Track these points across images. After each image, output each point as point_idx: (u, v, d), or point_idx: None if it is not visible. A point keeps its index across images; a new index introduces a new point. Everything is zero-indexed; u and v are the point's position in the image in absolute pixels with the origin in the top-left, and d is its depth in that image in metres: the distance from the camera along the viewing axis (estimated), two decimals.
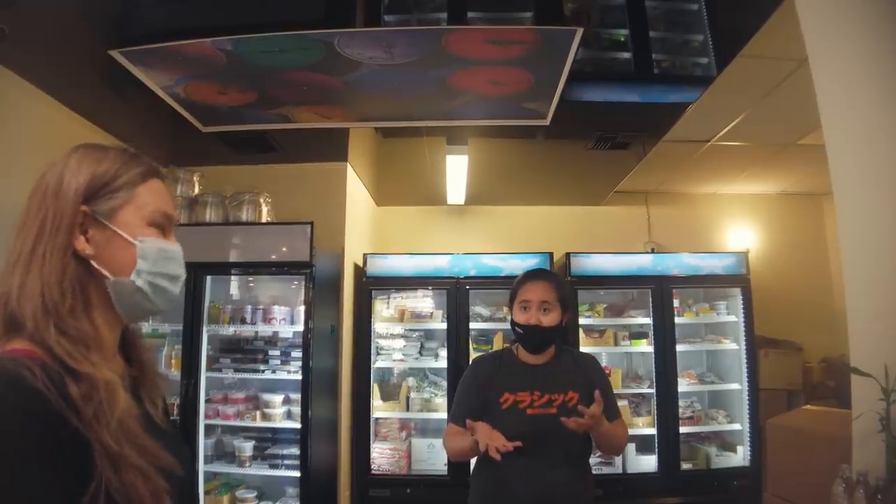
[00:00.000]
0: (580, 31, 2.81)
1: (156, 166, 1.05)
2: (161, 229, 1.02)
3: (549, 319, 2.09)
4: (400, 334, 4.78)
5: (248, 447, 3.85)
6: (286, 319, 3.97)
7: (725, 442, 4.70)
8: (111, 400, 0.83)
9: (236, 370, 3.97)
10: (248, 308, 3.97)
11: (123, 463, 0.81)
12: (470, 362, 2.38)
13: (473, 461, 2.24)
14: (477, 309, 4.73)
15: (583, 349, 4.42)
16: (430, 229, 5.88)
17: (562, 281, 2.30)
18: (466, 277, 4.64)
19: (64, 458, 0.77)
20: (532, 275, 2.22)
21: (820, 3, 2.14)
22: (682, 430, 4.50)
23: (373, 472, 4.46)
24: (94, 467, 0.79)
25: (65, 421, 0.78)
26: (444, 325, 4.61)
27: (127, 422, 0.84)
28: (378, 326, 4.72)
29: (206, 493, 3.78)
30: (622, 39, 3.87)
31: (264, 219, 4.10)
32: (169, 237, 1.03)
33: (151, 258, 0.98)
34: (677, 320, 4.60)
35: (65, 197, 0.93)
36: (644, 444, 4.54)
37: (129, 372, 0.97)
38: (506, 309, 4.32)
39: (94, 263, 0.94)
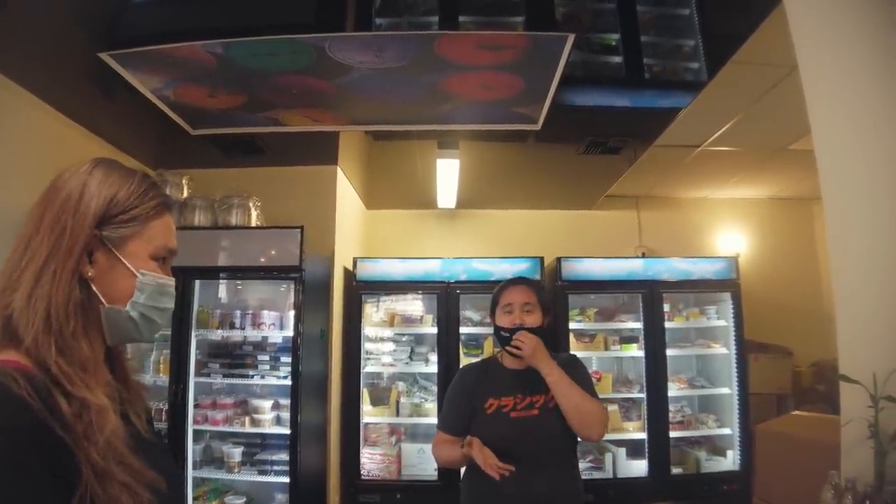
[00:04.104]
0: (572, 38, 2.81)
1: (170, 201, 1.08)
2: (161, 262, 1.03)
3: (532, 320, 2.16)
4: (390, 339, 4.75)
5: (236, 453, 3.82)
6: (275, 324, 3.95)
7: (715, 446, 4.71)
8: (101, 422, 0.85)
9: (225, 375, 3.94)
10: (237, 313, 3.94)
11: (108, 478, 0.82)
12: (459, 368, 2.41)
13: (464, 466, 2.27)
14: (467, 313, 4.71)
15: (574, 353, 4.42)
16: (421, 233, 5.86)
17: (541, 285, 2.35)
18: (457, 282, 4.62)
19: (49, 467, 0.78)
20: (512, 281, 2.31)
21: (810, 11, 2.15)
22: (673, 434, 4.51)
23: (362, 477, 4.43)
24: (78, 477, 0.79)
25: (49, 430, 0.79)
26: (434, 330, 4.59)
27: (114, 442, 0.85)
28: (368, 331, 4.70)
29: (195, 499, 3.75)
30: (613, 43, 3.88)
31: (254, 222, 4.07)
32: (166, 270, 1.05)
33: (148, 292, 0.99)
34: (667, 325, 4.61)
35: (83, 218, 0.94)
36: (634, 449, 4.54)
37: (115, 386, 0.97)
38: None
39: (93, 286, 0.95)
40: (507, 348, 2.13)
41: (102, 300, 0.96)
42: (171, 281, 1.05)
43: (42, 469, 0.77)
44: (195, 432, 3.85)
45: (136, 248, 0.98)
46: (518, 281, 2.30)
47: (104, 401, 0.87)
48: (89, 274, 0.94)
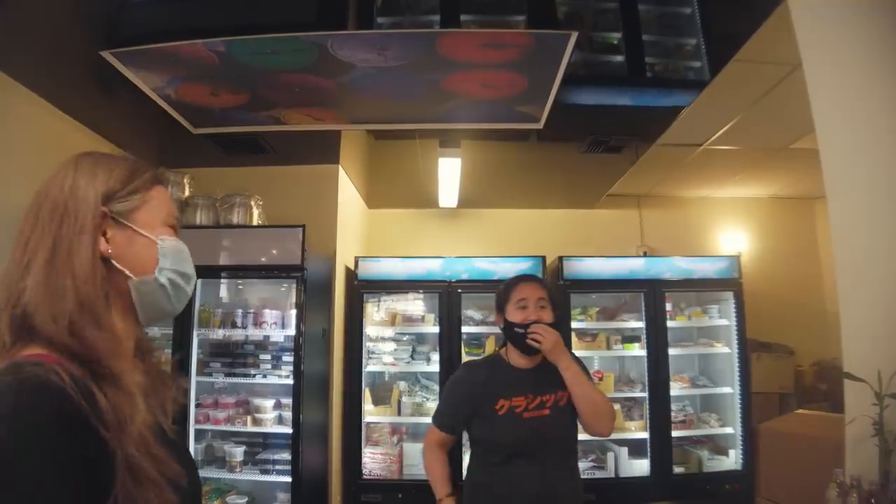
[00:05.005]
0: (575, 36, 2.81)
1: (161, 173, 1.10)
2: (173, 230, 1.05)
3: (546, 316, 2.14)
4: (391, 338, 4.75)
5: (238, 452, 3.80)
6: (277, 323, 3.94)
7: (718, 446, 4.70)
8: (132, 410, 0.83)
9: (227, 374, 3.94)
10: (239, 312, 3.93)
11: (140, 474, 0.81)
12: (462, 363, 2.41)
13: (465, 464, 2.28)
14: (469, 312, 4.71)
15: (575, 353, 4.41)
16: (422, 232, 5.85)
17: (548, 282, 2.35)
18: (458, 281, 4.62)
19: (89, 465, 0.77)
20: (523, 277, 2.29)
21: (813, 10, 2.15)
22: (675, 433, 4.50)
23: (364, 476, 4.43)
24: (113, 478, 0.78)
25: (89, 425, 0.77)
26: (435, 329, 4.59)
27: (144, 432, 0.84)
28: (369, 330, 4.69)
29: None
30: (615, 42, 3.88)
31: (255, 221, 4.07)
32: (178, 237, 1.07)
33: (171, 256, 1.01)
34: (669, 324, 4.60)
35: (84, 199, 0.93)
36: (636, 448, 4.53)
37: (144, 379, 0.96)
38: None
39: (116, 263, 0.94)
40: (528, 341, 2.09)
41: (130, 274, 0.95)
42: (185, 246, 1.07)
43: (82, 465, 0.76)
44: (197, 432, 3.84)
45: (147, 217, 0.99)
46: (529, 277, 2.28)
47: (133, 387, 0.86)
48: (108, 252, 0.93)
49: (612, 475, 4.48)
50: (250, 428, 3.87)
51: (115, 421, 0.80)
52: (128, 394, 0.84)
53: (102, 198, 0.95)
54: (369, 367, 4.62)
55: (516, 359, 2.21)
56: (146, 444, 0.83)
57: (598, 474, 4.44)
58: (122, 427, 0.80)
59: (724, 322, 4.72)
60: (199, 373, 3.85)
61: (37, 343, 0.84)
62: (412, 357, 4.67)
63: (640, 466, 4.49)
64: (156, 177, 1.05)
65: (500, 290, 2.26)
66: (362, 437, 4.51)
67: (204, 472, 3.83)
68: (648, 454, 4.49)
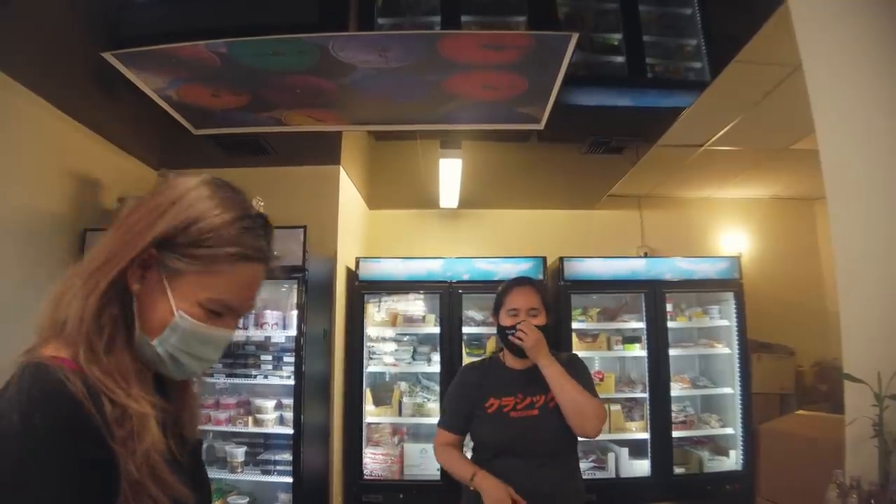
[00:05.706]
0: (575, 37, 2.81)
1: (263, 255, 0.99)
2: (216, 314, 0.95)
3: (537, 322, 2.16)
4: (392, 338, 4.76)
5: (239, 453, 3.81)
6: (278, 324, 3.95)
7: (718, 446, 4.70)
8: (141, 431, 0.82)
9: (228, 375, 3.94)
10: None
11: (141, 492, 0.81)
12: (461, 366, 2.43)
13: None
14: (470, 313, 4.71)
15: (574, 353, 4.42)
16: (423, 233, 5.86)
17: (544, 285, 2.35)
18: (459, 282, 4.62)
19: (96, 471, 0.78)
20: (517, 282, 2.29)
21: (814, 11, 2.15)
22: (675, 434, 4.51)
23: (365, 477, 4.43)
24: (118, 486, 0.79)
25: (99, 435, 0.78)
26: (436, 330, 4.59)
27: (153, 455, 0.83)
28: (370, 331, 4.70)
29: None
30: (616, 43, 3.88)
31: None
32: (225, 322, 0.97)
33: (180, 335, 0.91)
34: (670, 324, 4.60)
35: (151, 231, 0.89)
36: (637, 449, 4.53)
37: (161, 404, 0.90)
38: None
39: (134, 307, 0.90)
40: (510, 338, 2.13)
41: (137, 323, 0.90)
42: (219, 331, 0.95)
43: (86, 469, 0.77)
44: None
45: (186, 287, 0.91)
46: (523, 282, 2.28)
47: (145, 408, 0.84)
48: (135, 289, 0.90)
49: (613, 475, 4.49)
50: (251, 428, 3.87)
51: (122, 437, 0.80)
52: (136, 415, 0.82)
53: (162, 238, 0.89)
54: (370, 367, 4.63)
55: (511, 360, 2.24)
56: (153, 467, 0.83)
57: (599, 475, 4.45)
58: (126, 444, 0.80)
59: (724, 322, 4.72)
60: None
61: (61, 339, 0.85)
62: (413, 357, 4.67)
63: (641, 467, 4.49)
64: (248, 257, 0.95)
65: (497, 293, 2.29)
66: (363, 437, 4.52)
67: None
68: (649, 454, 4.50)
